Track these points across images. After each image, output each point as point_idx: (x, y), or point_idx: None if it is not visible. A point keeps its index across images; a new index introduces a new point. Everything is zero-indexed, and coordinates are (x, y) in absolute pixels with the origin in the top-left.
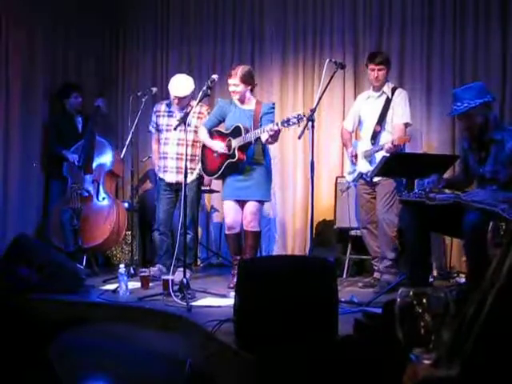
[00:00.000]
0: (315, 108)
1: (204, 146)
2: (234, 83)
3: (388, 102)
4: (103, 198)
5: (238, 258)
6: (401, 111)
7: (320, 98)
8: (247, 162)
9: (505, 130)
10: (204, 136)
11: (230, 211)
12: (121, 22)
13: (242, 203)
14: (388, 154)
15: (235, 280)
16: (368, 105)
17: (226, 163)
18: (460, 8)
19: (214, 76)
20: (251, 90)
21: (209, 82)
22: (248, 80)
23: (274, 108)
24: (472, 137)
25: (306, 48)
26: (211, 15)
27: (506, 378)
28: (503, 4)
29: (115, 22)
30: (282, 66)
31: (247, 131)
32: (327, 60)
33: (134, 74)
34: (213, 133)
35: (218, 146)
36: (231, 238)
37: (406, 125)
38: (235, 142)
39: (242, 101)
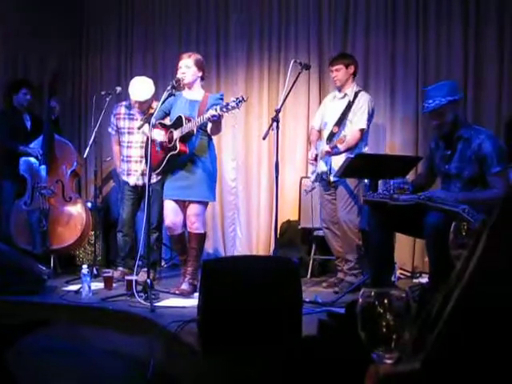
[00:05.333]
0: (280, 108)
1: (148, 143)
2: (186, 64)
3: (349, 105)
4: (70, 198)
5: (184, 258)
6: (358, 116)
7: (285, 99)
8: (189, 155)
9: (473, 129)
10: (146, 130)
11: (168, 212)
12: (84, 22)
13: (182, 203)
14: (351, 155)
15: (187, 279)
16: (332, 105)
17: (167, 157)
18: (423, 10)
19: (180, 76)
20: (202, 79)
21: (173, 82)
22: (201, 66)
23: (222, 99)
24: (441, 134)
25: (270, 49)
26: (176, 16)
27: (465, 374)
28: (465, 6)
29: (79, 23)
30: (247, 66)
31: (189, 121)
32: (292, 61)
33: (98, 74)
34: (155, 125)
35: (156, 133)
36: (173, 240)
37: (361, 130)
38: (177, 133)
39: (190, 86)
